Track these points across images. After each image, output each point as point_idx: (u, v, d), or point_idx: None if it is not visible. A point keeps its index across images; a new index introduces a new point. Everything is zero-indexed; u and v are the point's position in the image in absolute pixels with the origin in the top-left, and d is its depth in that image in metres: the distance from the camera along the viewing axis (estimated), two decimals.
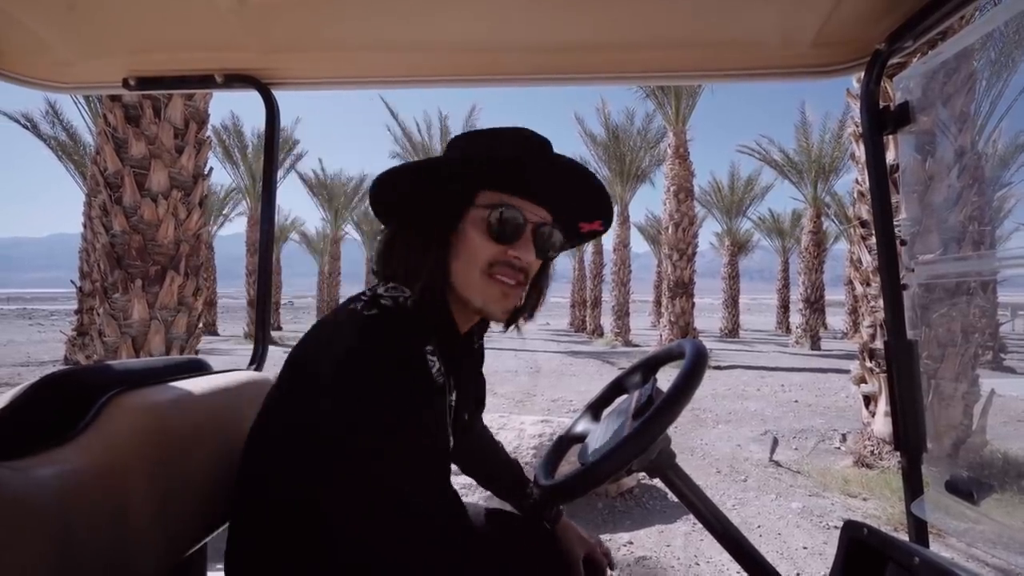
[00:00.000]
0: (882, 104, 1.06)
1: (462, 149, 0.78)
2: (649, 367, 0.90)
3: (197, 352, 4.29)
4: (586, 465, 0.72)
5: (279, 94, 1.34)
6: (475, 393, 1.00)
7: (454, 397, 0.80)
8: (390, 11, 1.05)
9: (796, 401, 6.84)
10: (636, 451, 0.69)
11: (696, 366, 0.74)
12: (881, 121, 1.06)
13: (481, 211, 0.75)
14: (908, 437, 1.03)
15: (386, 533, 0.63)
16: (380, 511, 0.63)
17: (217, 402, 1.01)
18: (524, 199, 0.76)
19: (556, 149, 0.80)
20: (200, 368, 1.10)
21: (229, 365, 1.27)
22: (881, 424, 4.26)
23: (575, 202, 0.81)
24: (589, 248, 22.04)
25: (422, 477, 0.64)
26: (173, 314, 4.00)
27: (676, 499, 0.84)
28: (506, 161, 0.73)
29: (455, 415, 0.82)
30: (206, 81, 1.28)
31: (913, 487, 1.04)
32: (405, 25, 1.09)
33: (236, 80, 1.26)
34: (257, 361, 1.27)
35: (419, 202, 0.77)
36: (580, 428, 0.94)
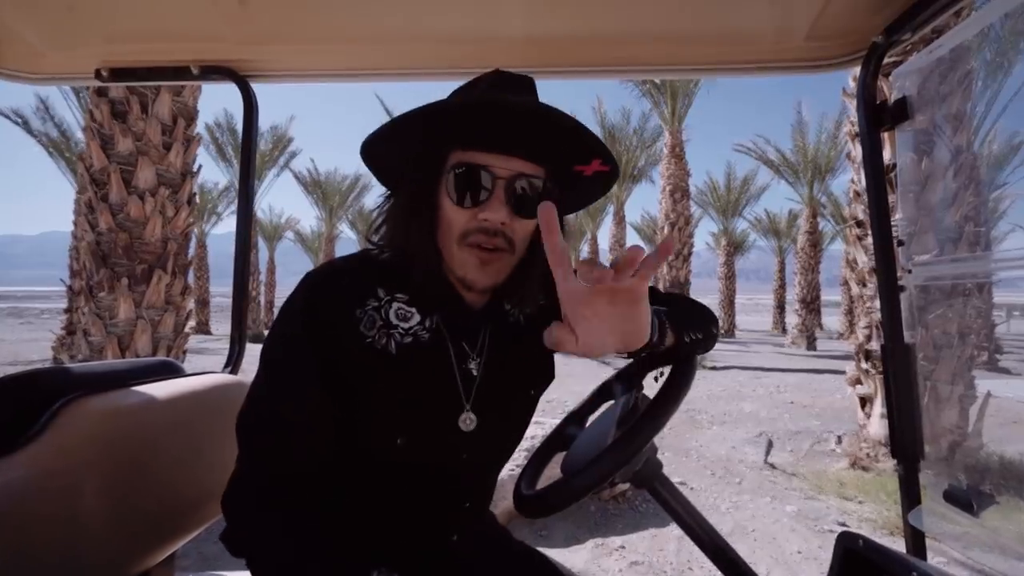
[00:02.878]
0: (879, 100, 1.03)
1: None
2: (636, 372, 0.86)
3: (185, 352, 4.24)
4: (565, 478, 0.68)
5: (262, 87, 1.30)
6: (522, 371, 0.84)
7: (474, 366, 0.77)
8: (373, 2, 1.01)
9: (792, 402, 6.83)
10: (619, 462, 0.65)
11: (684, 372, 0.70)
12: (879, 116, 1.02)
13: (448, 176, 0.69)
14: (905, 445, 0.99)
15: (246, 449, 0.68)
16: (246, 426, 0.69)
17: (185, 407, 0.97)
18: (493, 152, 0.67)
19: None
20: (170, 371, 1.05)
21: (219, 364, 1.23)
22: (877, 426, 4.25)
23: (558, 144, 0.69)
24: (585, 247, 22.05)
25: (278, 408, 0.68)
26: (160, 313, 3.94)
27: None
28: (461, 110, 0.66)
29: (478, 388, 0.77)
30: (181, 73, 1.24)
31: (910, 496, 1.00)
32: (389, 15, 1.05)
33: (213, 72, 1.22)
34: (232, 363, 1.22)
35: (401, 171, 0.75)
36: (564, 435, 0.90)
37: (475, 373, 0.77)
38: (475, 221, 0.68)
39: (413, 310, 0.74)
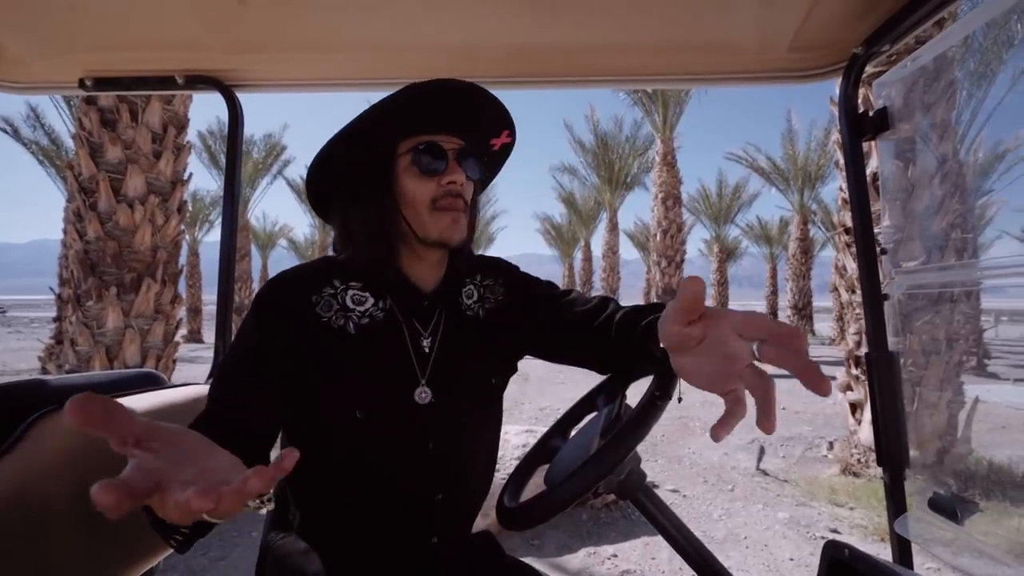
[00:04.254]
0: (862, 109, 1.04)
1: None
2: (619, 382, 0.86)
3: (175, 361, 4.20)
4: (548, 489, 0.67)
5: (254, 99, 1.30)
6: (481, 358, 0.89)
7: (428, 344, 0.84)
8: (359, 10, 1.01)
9: (784, 408, 6.84)
10: (601, 473, 0.65)
11: (665, 384, 0.70)
12: (860, 127, 1.04)
13: (405, 157, 0.80)
14: (891, 453, 0.99)
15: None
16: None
17: (166, 420, 0.95)
18: (436, 134, 0.81)
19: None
20: (152, 383, 1.04)
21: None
22: (867, 432, 4.26)
23: (481, 122, 0.85)
24: (578, 255, 22.12)
25: (228, 384, 0.76)
26: (149, 322, 3.89)
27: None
28: (407, 103, 0.77)
29: (433, 364, 0.84)
30: (166, 82, 1.23)
31: (896, 504, 1.01)
32: (376, 25, 1.05)
33: (198, 81, 1.22)
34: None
35: (354, 180, 0.83)
36: (547, 447, 0.89)
37: (428, 351, 0.84)
38: (441, 187, 0.79)
39: (367, 294, 0.83)
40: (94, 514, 0.76)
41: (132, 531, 0.84)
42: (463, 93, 0.79)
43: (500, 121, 0.87)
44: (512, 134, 0.90)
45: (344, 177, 0.83)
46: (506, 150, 0.94)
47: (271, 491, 0.93)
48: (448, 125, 0.82)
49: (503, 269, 0.98)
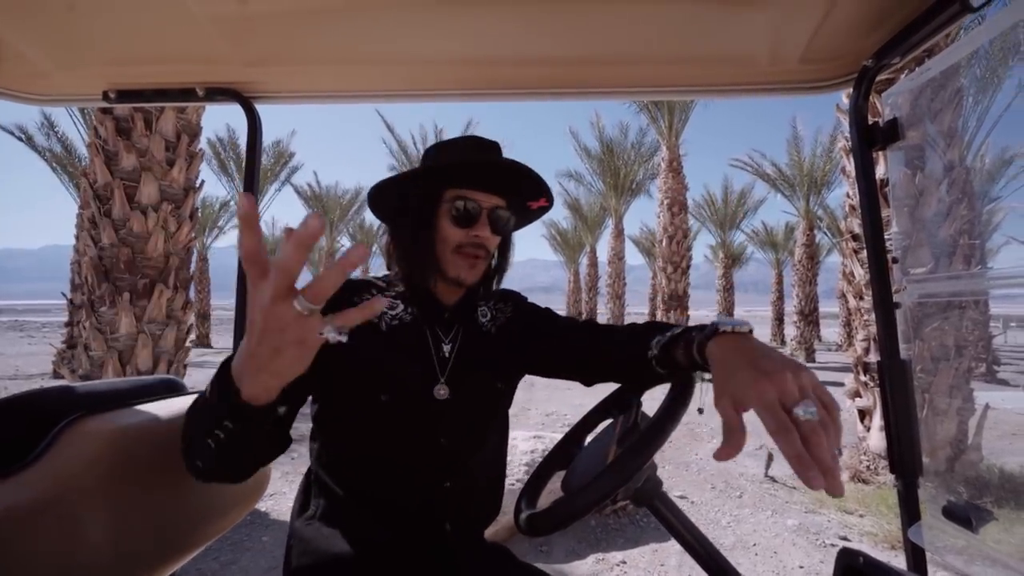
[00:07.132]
0: (871, 120, 1.05)
1: (430, 159, 1.00)
2: (634, 390, 0.87)
3: (185, 366, 4.23)
4: (566, 497, 0.69)
5: (265, 107, 1.32)
6: (490, 367, 1.02)
7: (447, 350, 0.98)
8: (375, 24, 1.03)
9: None
10: (619, 481, 0.66)
11: (683, 390, 0.71)
12: (871, 137, 1.05)
13: (447, 205, 0.94)
14: (903, 461, 1.00)
15: None
16: None
17: None
18: (479, 191, 0.94)
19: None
20: (173, 389, 1.06)
21: None
22: (876, 439, 4.23)
23: (520, 187, 0.99)
24: (584, 260, 22.11)
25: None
26: (161, 328, 3.93)
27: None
28: (460, 164, 0.94)
29: (451, 367, 0.97)
30: (187, 94, 1.26)
31: (910, 512, 1.01)
32: (391, 39, 1.07)
33: (218, 93, 1.24)
34: None
35: (404, 210, 0.98)
36: (563, 453, 0.90)
37: (447, 356, 0.98)
38: (468, 237, 0.93)
39: (399, 302, 0.99)
40: (121, 520, 0.79)
41: (157, 536, 0.86)
42: (505, 164, 0.94)
43: (538, 190, 1.00)
44: (550, 199, 1.03)
45: (397, 204, 0.99)
46: (542, 210, 1.07)
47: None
48: (489, 186, 0.95)
49: (512, 297, 1.15)
